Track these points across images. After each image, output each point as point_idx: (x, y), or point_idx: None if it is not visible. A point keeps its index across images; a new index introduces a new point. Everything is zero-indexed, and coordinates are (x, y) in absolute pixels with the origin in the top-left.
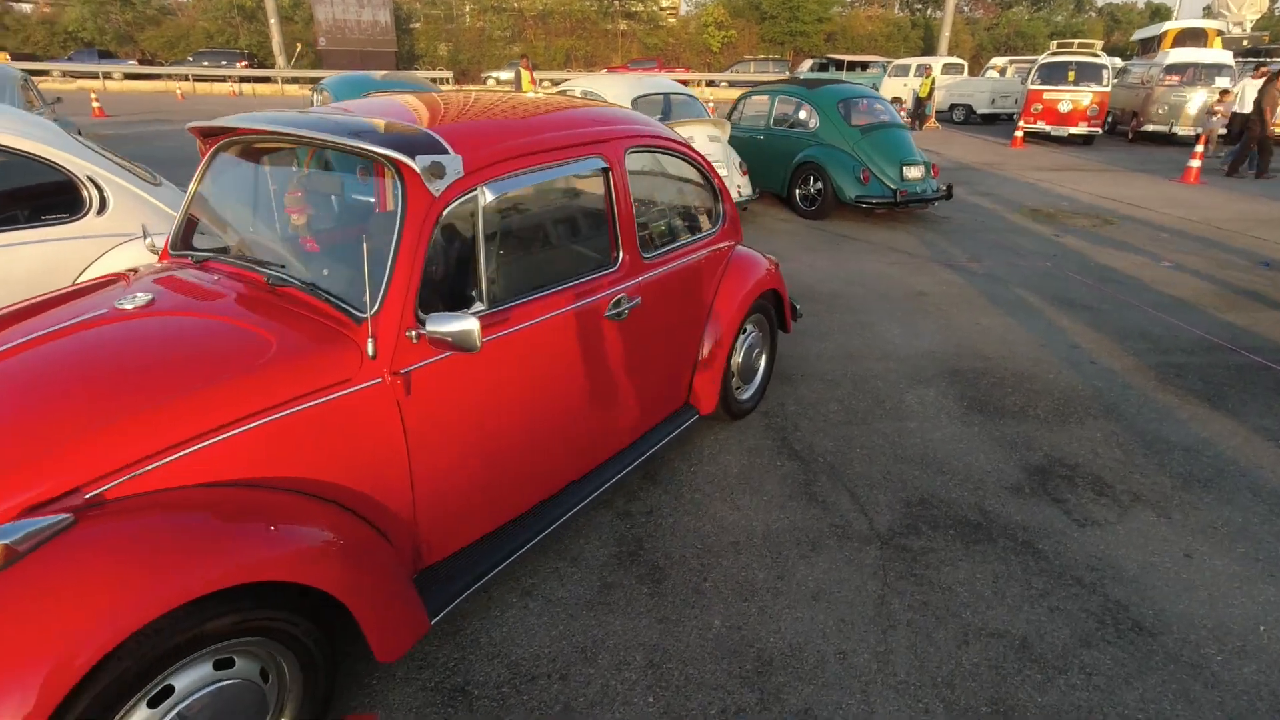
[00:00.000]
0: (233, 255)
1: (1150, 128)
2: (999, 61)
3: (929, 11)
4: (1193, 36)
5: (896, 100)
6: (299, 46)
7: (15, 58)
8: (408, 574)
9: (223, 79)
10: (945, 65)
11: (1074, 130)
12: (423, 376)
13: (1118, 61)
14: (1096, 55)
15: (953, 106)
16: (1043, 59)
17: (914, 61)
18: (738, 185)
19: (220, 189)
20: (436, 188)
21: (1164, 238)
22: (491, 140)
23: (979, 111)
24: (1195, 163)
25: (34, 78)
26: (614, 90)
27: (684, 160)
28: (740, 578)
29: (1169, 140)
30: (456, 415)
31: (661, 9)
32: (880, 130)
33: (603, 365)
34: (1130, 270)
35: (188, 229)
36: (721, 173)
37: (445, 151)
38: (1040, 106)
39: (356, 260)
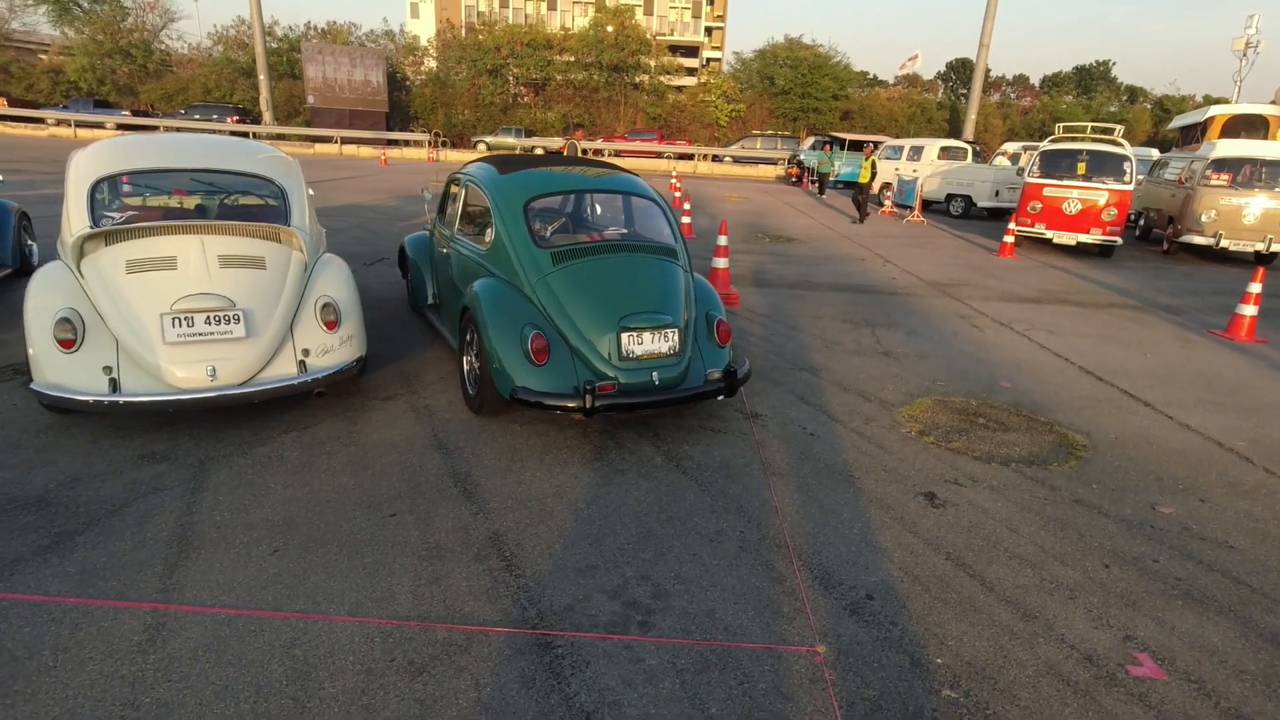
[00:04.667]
0: None
1: (1193, 239)
2: (1010, 147)
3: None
4: (1248, 125)
5: (886, 186)
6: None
7: (12, 103)
8: None
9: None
10: (944, 148)
11: (1084, 238)
12: None
13: (1153, 153)
14: (1117, 144)
15: (950, 197)
16: (1043, 146)
17: (906, 143)
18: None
19: None
20: None
21: (1163, 526)
22: None
23: (980, 204)
24: (1250, 309)
25: (28, 124)
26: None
27: None
28: None
29: (1220, 256)
30: None
31: (671, 85)
32: (593, 260)
33: None
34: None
35: None
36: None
37: None
38: (1039, 205)
39: None
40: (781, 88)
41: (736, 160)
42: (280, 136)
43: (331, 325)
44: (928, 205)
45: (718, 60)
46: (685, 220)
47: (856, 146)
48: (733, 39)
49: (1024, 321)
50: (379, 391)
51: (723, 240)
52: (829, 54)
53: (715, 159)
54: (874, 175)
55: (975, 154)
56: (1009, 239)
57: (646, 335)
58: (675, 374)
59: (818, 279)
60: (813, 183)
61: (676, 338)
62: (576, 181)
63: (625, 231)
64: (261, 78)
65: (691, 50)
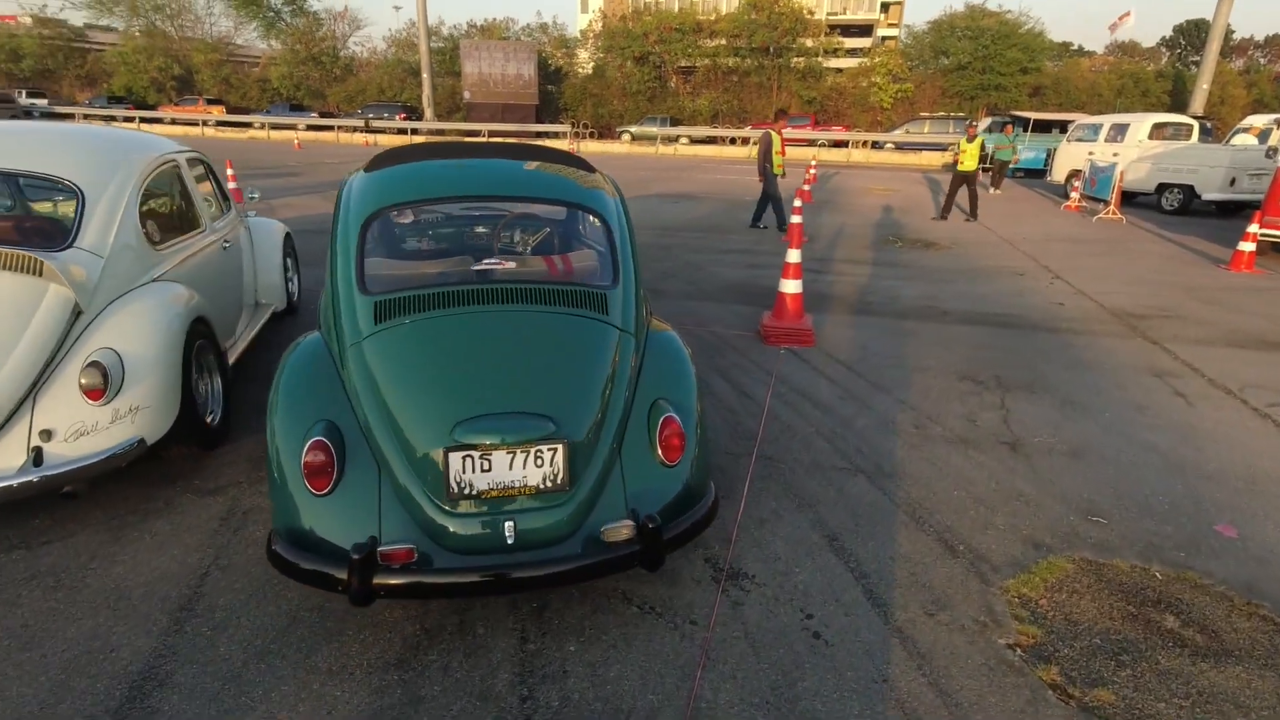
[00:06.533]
0: None
1: None
2: (1257, 121)
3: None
4: None
5: (1074, 174)
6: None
7: (230, 110)
8: None
9: (379, 130)
10: (1158, 125)
11: None
12: None
13: None
14: None
15: (1162, 188)
16: None
17: (1106, 120)
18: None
19: None
20: None
21: None
22: None
23: (1206, 196)
24: None
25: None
26: None
27: None
28: None
29: None
30: None
31: (829, 66)
32: (442, 317)
33: None
34: None
35: None
36: None
37: None
38: None
39: None
40: (958, 63)
41: (899, 147)
42: (439, 132)
43: (96, 394)
44: (1131, 198)
45: (894, 38)
46: (795, 220)
47: (1045, 127)
48: (913, 13)
49: (1265, 386)
50: (213, 476)
51: (793, 257)
52: (1018, 21)
53: (875, 145)
54: (983, 160)
55: (1205, 131)
56: (1248, 246)
57: (499, 456)
58: (552, 523)
59: (945, 302)
60: (985, 170)
61: (561, 459)
62: (473, 182)
63: (516, 265)
64: (425, 76)
65: (865, 29)
